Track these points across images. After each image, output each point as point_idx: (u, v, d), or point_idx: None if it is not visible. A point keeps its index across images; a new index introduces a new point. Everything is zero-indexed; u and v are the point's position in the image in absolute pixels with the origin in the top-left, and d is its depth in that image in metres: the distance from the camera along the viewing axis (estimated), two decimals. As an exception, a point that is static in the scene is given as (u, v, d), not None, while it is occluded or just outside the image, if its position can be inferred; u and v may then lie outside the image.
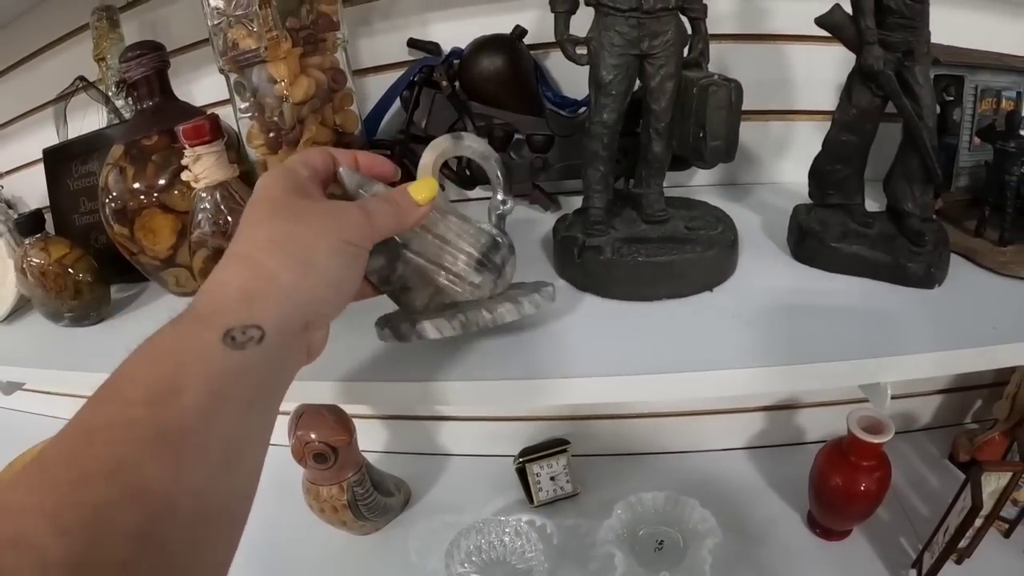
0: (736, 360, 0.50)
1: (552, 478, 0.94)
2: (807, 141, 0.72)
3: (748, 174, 0.86)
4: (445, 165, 0.72)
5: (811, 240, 0.63)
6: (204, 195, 0.60)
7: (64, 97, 0.98)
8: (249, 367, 0.30)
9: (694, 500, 0.88)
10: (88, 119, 0.98)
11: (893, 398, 0.53)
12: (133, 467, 0.25)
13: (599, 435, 1.02)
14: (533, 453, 0.94)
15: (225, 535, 0.29)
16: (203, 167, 0.58)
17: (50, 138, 0.97)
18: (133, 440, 0.26)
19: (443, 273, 0.51)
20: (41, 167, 0.95)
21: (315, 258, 0.35)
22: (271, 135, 0.67)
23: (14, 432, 1.33)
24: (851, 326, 0.53)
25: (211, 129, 0.57)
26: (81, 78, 0.95)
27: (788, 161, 0.85)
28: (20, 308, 0.91)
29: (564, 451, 0.94)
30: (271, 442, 0.34)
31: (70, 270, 0.76)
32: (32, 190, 1.02)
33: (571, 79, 0.82)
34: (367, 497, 0.90)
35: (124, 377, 0.29)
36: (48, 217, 0.85)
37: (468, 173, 0.80)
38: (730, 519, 0.85)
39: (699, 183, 0.88)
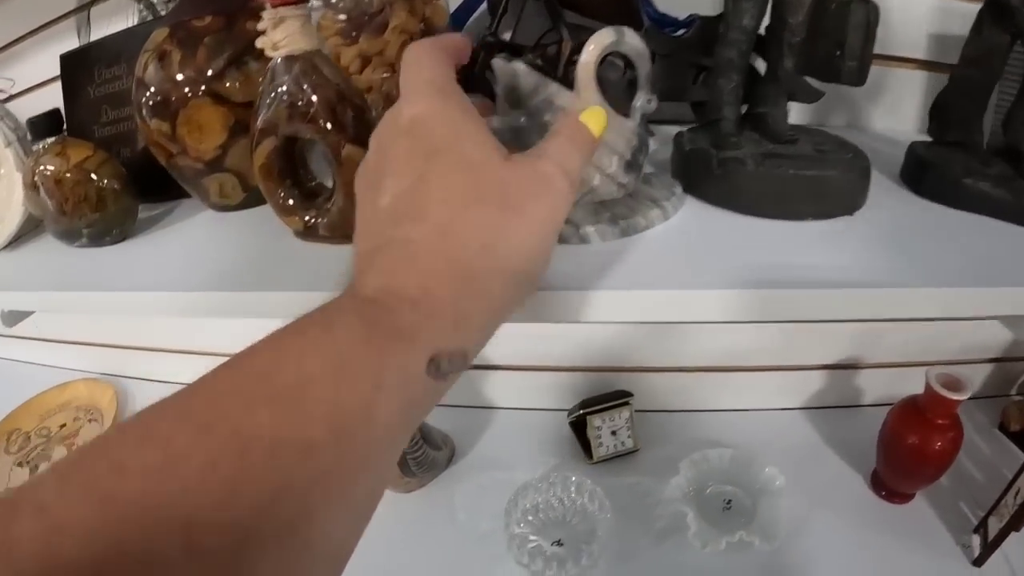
0: (896, 279, 0.42)
1: (613, 432, 0.83)
2: (900, 88, 0.69)
3: (839, 117, 0.78)
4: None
5: (933, 175, 0.57)
6: (281, 68, 0.47)
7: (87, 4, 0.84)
8: (435, 397, 0.25)
9: (762, 458, 0.79)
10: (113, 27, 0.83)
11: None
12: (291, 495, 0.20)
13: (653, 390, 0.92)
14: (593, 405, 0.83)
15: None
16: (285, 32, 0.46)
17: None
18: (302, 467, 0.20)
19: (599, 173, 0.47)
20: (54, 87, 0.81)
21: (530, 268, 0.28)
22: (347, 19, 0.54)
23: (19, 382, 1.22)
24: (996, 258, 0.46)
25: (299, -12, 0.46)
26: (109, -26, 0.80)
27: (879, 107, 0.76)
28: (27, 233, 0.76)
29: (627, 404, 0.83)
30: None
31: (92, 176, 0.63)
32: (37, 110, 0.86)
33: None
34: (416, 450, 0.78)
35: (309, 389, 0.22)
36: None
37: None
38: (791, 479, 0.77)
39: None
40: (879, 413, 0.81)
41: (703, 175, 0.54)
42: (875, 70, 0.74)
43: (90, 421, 1.14)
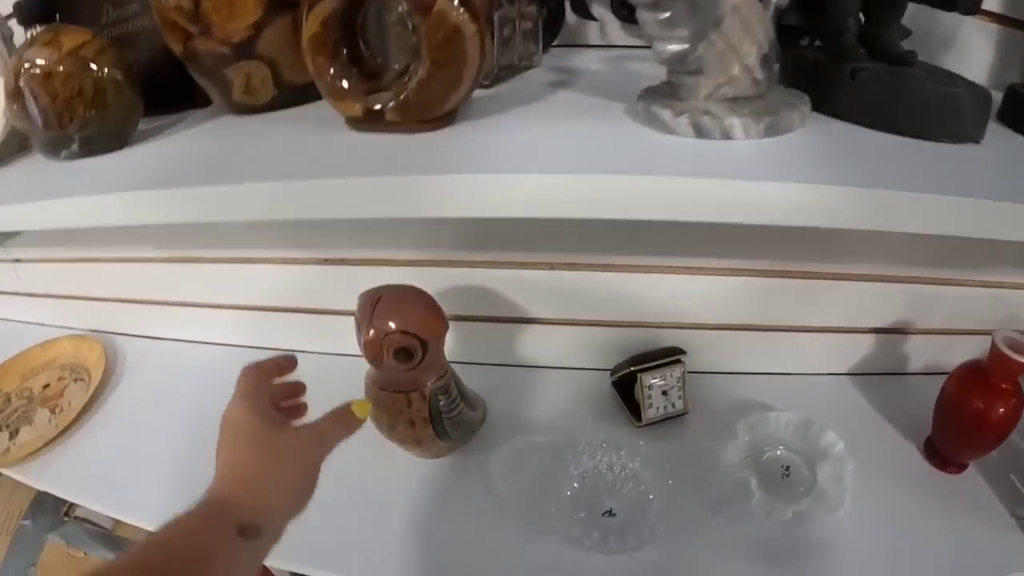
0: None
1: (664, 392, 0.75)
2: (972, 39, 0.63)
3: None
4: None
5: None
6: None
7: None
8: (255, 552, 0.42)
9: (821, 422, 0.71)
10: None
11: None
12: None
13: (698, 350, 0.82)
14: (645, 362, 0.74)
15: None
16: None
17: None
18: None
19: (739, 63, 0.42)
20: None
21: (289, 488, 0.46)
22: None
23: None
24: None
25: None
26: None
27: (950, 56, 0.69)
28: (5, 157, 0.65)
29: (680, 361, 0.75)
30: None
31: (91, 65, 0.52)
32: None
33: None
34: (453, 409, 0.69)
35: (175, 538, 0.40)
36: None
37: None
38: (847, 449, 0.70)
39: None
40: (927, 382, 0.76)
41: (832, 88, 0.48)
42: (950, 19, 0.69)
43: (76, 381, 1.03)
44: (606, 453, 0.69)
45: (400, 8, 0.39)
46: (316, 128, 0.48)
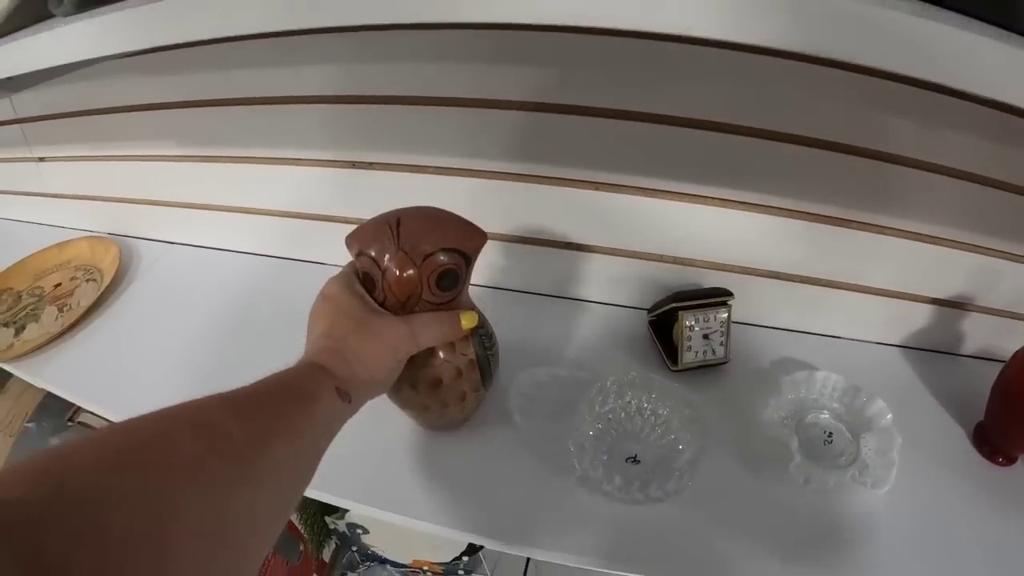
0: None
1: (706, 336, 0.66)
2: None
3: None
4: None
5: None
6: None
7: None
8: (344, 413, 0.44)
9: (871, 390, 0.63)
10: None
11: None
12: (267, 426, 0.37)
13: (746, 298, 0.72)
14: (687, 299, 0.65)
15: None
16: None
17: None
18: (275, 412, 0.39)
19: None
20: None
21: (378, 371, 0.47)
22: None
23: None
24: None
25: None
26: None
27: None
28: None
29: (726, 303, 0.66)
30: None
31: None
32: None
33: None
34: (492, 344, 0.58)
35: (288, 383, 0.42)
36: None
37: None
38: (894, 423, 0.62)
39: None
40: (981, 367, 0.71)
41: None
42: None
43: (88, 281, 0.96)
44: (635, 394, 0.61)
45: None
46: None
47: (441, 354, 0.53)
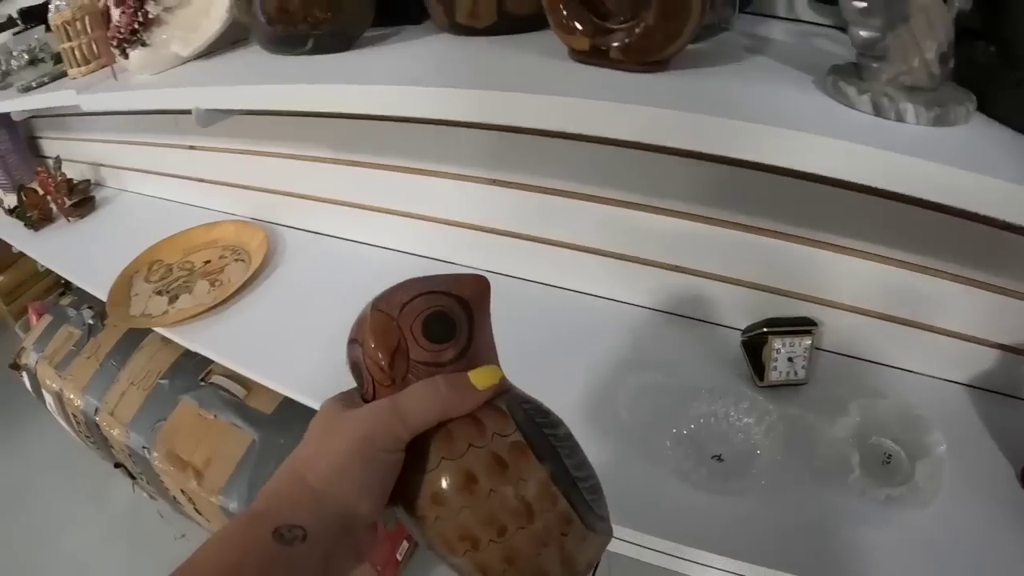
0: None
1: (790, 359, 0.77)
2: None
3: None
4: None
5: None
6: None
7: None
8: (297, 562, 0.33)
9: (929, 420, 0.72)
10: None
11: None
12: None
13: (833, 329, 0.85)
14: (777, 326, 0.77)
15: None
16: None
17: None
18: None
19: (919, 56, 0.46)
20: None
21: (348, 470, 0.35)
22: None
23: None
24: None
25: None
26: None
27: None
28: (218, 48, 0.73)
29: (810, 332, 0.77)
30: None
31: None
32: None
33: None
34: (553, 424, 0.39)
35: (204, 558, 0.32)
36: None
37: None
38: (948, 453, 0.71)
39: None
40: None
41: (999, 93, 0.49)
42: None
43: (237, 260, 1.14)
44: (725, 403, 0.73)
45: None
46: (540, 56, 0.53)
47: (463, 439, 0.36)
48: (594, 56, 0.48)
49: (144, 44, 0.73)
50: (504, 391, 0.39)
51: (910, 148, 0.42)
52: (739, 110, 0.45)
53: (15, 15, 1.54)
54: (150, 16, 0.72)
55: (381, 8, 0.63)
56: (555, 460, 0.36)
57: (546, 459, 0.36)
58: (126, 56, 0.76)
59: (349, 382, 0.39)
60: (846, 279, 0.82)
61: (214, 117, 0.70)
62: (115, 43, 0.75)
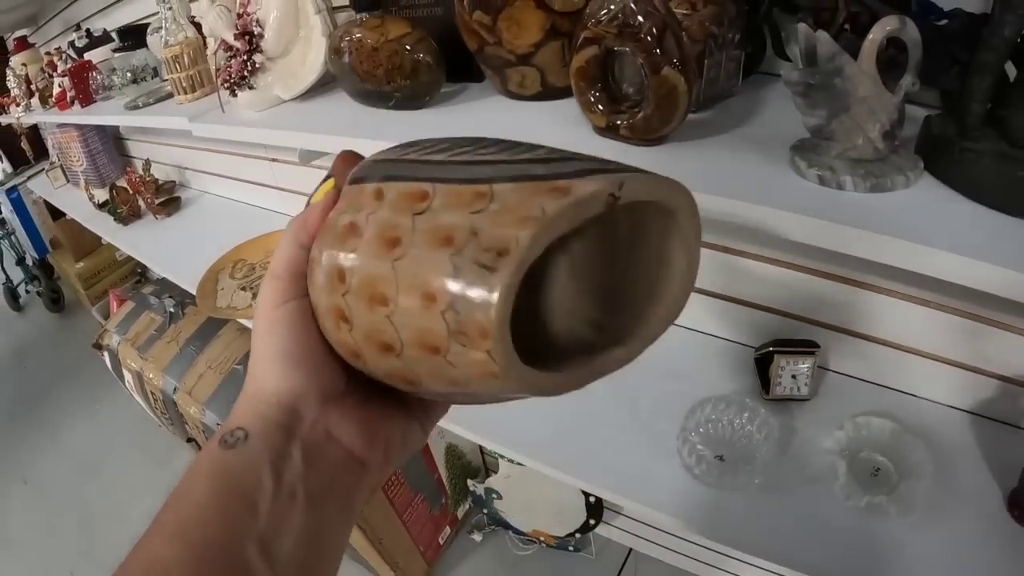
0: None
1: (793, 376, 0.91)
2: None
3: None
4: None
5: None
6: (615, -9, 0.55)
7: None
8: (241, 462, 0.31)
9: (919, 440, 0.84)
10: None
11: None
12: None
13: (838, 351, 0.98)
14: (783, 346, 0.91)
15: None
16: (627, -37, 0.54)
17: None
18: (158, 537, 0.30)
19: (863, 136, 0.56)
20: None
21: (258, 348, 0.35)
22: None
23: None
24: None
25: (642, -76, 0.53)
26: None
27: None
28: (313, 90, 0.91)
29: (813, 353, 0.91)
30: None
31: (407, 48, 0.75)
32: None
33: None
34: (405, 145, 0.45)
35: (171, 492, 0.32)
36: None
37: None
38: (936, 471, 0.81)
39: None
40: None
41: (944, 159, 0.60)
42: None
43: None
44: (731, 411, 0.88)
45: (640, 62, 0.57)
46: (563, 122, 0.67)
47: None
48: (609, 131, 0.63)
49: (251, 87, 0.93)
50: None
51: (843, 216, 0.53)
52: (708, 183, 0.58)
53: (110, 30, 1.78)
54: (256, 66, 0.92)
55: (451, 67, 0.80)
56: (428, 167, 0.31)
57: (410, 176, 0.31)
58: (235, 95, 0.95)
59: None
60: (852, 307, 0.95)
61: (314, 155, 0.89)
62: (226, 85, 0.95)
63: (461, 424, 0.94)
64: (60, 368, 2.97)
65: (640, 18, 0.55)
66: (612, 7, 0.57)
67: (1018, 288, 0.49)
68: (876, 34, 0.55)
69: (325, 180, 0.37)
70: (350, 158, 0.38)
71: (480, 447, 1.64)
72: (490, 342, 0.25)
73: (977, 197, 0.57)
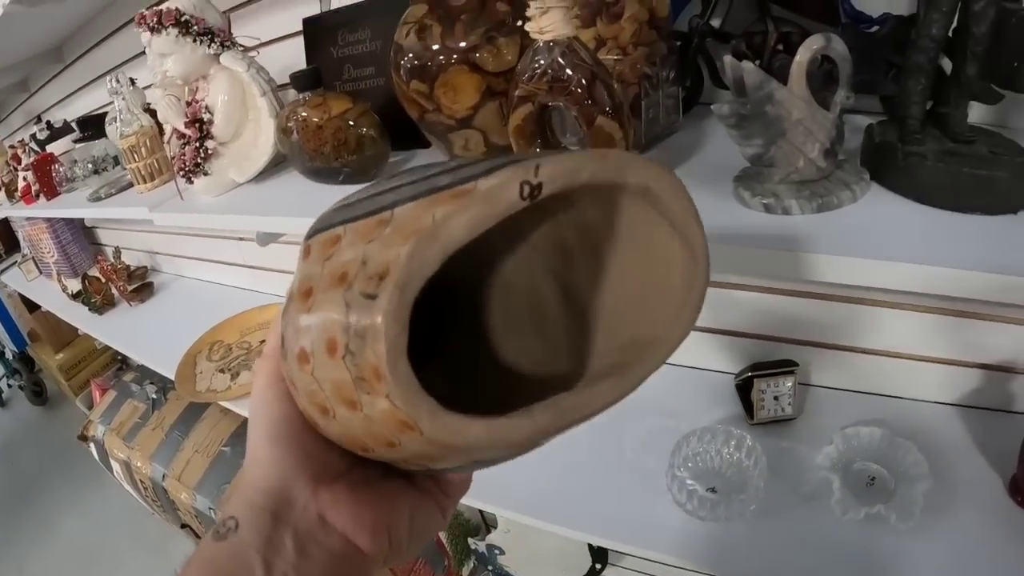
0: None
1: (776, 398, 0.92)
2: None
3: (1018, 119, 0.80)
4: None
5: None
6: (544, 49, 0.58)
7: (331, -32, 0.98)
8: (230, 553, 0.30)
9: (910, 443, 0.85)
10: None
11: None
12: None
13: (817, 365, 0.99)
14: (761, 370, 0.92)
15: None
16: (550, 20, 0.57)
17: (304, 12, 0.98)
18: None
19: (802, 157, 0.57)
20: (288, 43, 0.97)
21: (250, 437, 0.34)
22: (587, 8, 0.65)
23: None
24: None
25: (561, -18, 0.55)
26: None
27: None
28: (266, 171, 0.93)
29: (792, 372, 0.92)
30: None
31: (351, 123, 0.76)
32: (273, 64, 1.03)
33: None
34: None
35: None
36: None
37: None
38: (933, 470, 0.82)
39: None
40: None
41: (888, 166, 0.61)
42: None
43: (287, 339, 1.34)
44: (718, 441, 0.89)
45: (574, 115, 0.59)
46: None
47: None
48: (552, 184, 0.65)
49: (206, 173, 0.95)
50: None
51: (791, 242, 0.54)
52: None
53: (70, 121, 1.81)
54: (209, 152, 0.93)
55: (398, 135, 0.82)
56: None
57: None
58: (191, 183, 0.97)
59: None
60: (825, 320, 0.97)
61: (272, 237, 0.90)
62: (182, 173, 0.97)
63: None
64: (48, 461, 2.94)
65: (568, 71, 0.57)
66: (541, 63, 0.59)
67: (977, 286, 0.49)
68: (803, 56, 0.56)
69: None
70: None
71: (477, 503, 1.61)
72: (385, 384, 0.22)
73: (926, 200, 0.59)
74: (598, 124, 0.57)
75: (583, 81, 0.57)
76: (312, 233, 0.30)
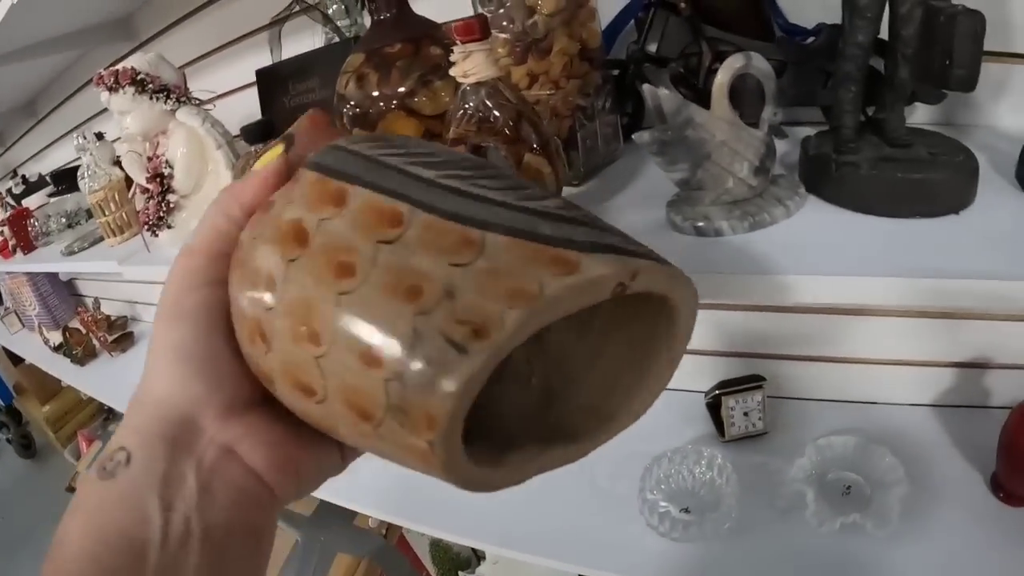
0: (992, 271, 0.49)
1: (745, 413, 0.93)
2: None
3: (965, 115, 0.81)
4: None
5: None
6: (470, 92, 0.60)
7: (280, 20, 1.01)
8: (119, 491, 0.26)
9: (884, 448, 0.85)
10: (301, 42, 1.00)
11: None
12: None
13: (787, 377, 1.00)
14: (728, 387, 0.93)
15: None
16: (473, 64, 0.59)
17: (257, 63, 1.00)
18: None
19: (731, 176, 0.58)
20: (244, 94, 0.99)
21: (152, 349, 0.29)
22: (518, 46, 0.67)
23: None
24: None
25: (481, 27, 0.58)
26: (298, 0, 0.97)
27: (1003, 106, 0.79)
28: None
29: (760, 387, 0.92)
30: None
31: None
32: (231, 115, 1.05)
33: (797, 7, 0.78)
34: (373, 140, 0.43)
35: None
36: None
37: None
38: (911, 473, 0.82)
39: (915, 122, 0.83)
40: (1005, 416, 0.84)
41: (823, 178, 0.62)
42: (998, 68, 0.80)
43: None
44: (688, 461, 0.90)
45: (503, 155, 0.61)
46: None
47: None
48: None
49: (170, 226, 0.97)
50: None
51: (721, 263, 0.55)
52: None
53: (45, 174, 1.84)
54: (172, 205, 0.96)
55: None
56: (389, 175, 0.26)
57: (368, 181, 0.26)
58: (156, 235, 0.99)
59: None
60: (790, 332, 0.98)
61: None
62: (147, 227, 0.99)
63: (421, 522, 0.93)
64: (38, 514, 2.93)
65: (496, 112, 0.59)
66: (469, 105, 0.61)
67: (913, 292, 0.50)
68: (723, 76, 0.58)
69: (279, 142, 0.31)
70: (320, 121, 0.33)
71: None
72: (435, 435, 0.21)
73: (865, 209, 0.59)
74: (527, 161, 0.59)
75: (509, 121, 0.59)
76: (354, 178, 0.26)
